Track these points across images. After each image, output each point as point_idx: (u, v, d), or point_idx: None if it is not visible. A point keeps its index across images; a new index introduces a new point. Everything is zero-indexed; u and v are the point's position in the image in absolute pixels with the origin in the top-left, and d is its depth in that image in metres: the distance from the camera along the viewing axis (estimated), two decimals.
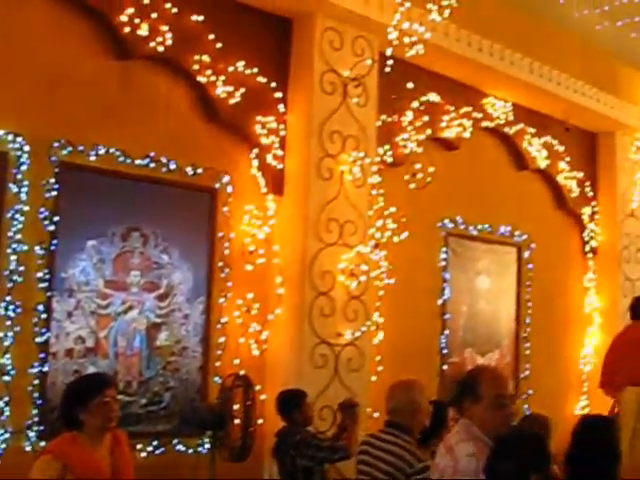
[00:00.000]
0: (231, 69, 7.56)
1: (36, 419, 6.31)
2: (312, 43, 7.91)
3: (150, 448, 6.92)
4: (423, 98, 9.15)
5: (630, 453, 6.99)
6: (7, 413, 6.18)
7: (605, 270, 11.52)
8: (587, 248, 11.53)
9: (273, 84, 7.87)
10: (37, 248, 6.40)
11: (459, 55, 9.06)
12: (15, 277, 6.26)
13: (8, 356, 6.20)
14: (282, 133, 7.88)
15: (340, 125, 7.96)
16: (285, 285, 7.74)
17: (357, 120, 8.10)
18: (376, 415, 7.39)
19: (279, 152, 7.85)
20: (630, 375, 7.73)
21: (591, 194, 11.53)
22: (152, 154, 7.09)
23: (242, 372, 7.16)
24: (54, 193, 6.51)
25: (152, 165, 7.10)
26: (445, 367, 9.47)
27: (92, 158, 6.74)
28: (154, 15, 7.02)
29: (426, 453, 5.17)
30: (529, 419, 6.73)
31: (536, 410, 9.84)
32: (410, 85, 8.72)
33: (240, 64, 7.63)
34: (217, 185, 7.56)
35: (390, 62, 7.90)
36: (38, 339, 6.38)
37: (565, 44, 10.42)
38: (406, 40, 7.76)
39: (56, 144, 6.55)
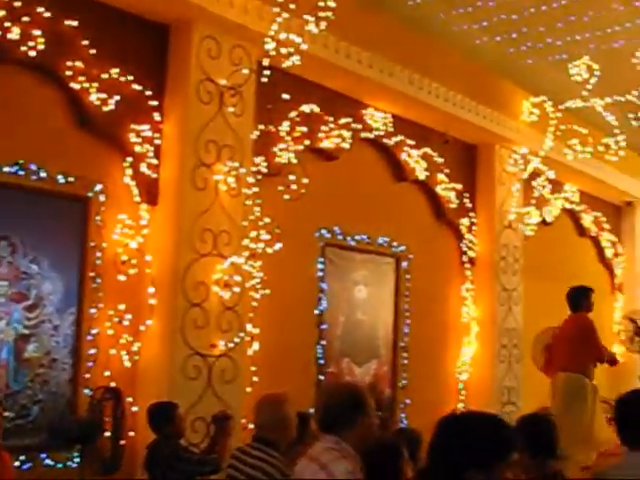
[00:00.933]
0: (105, 76, 7.53)
1: None
2: (189, 51, 7.94)
3: (17, 463, 6.79)
4: (301, 108, 9.26)
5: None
6: None
7: (482, 280, 11.82)
8: (465, 259, 11.78)
9: (149, 92, 7.88)
10: None
11: (338, 66, 9.21)
12: None
13: None
14: (157, 142, 7.90)
15: (216, 134, 8.02)
16: (158, 296, 7.76)
17: (233, 130, 8.18)
18: (251, 426, 7.42)
19: (154, 161, 7.86)
20: (560, 362, 8.80)
21: (470, 205, 11.79)
22: (21, 161, 7.02)
23: (113, 384, 7.17)
24: None
25: (21, 173, 7.03)
26: (322, 377, 9.60)
27: None
28: (26, 19, 6.94)
29: (291, 467, 5.26)
30: (401, 433, 6.87)
31: (414, 419, 10.17)
32: (287, 95, 8.83)
33: (115, 71, 7.61)
34: (89, 194, 7.52)
35: (268, 72, 7.99)
36: None
37: (446, 58, 10.68)
38: (284, 50, 7.86)
39: None
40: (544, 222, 13.16)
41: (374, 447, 4.30)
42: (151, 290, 7.77)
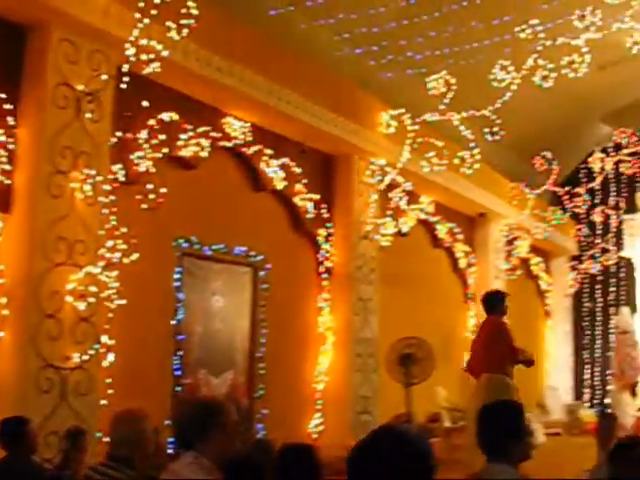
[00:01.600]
0: None
1: None
2: (46, 54, 7.81)
3: None
4: (160, 116, 9.23)
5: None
6: None
7: (339, 290, 11.96)
8: (322, 268, 11.92)
9: (2, 95, 7.71)
10: None
11: (199, 74, 9.22)
12: None
13: None
14: (11, 147, 7.73)
15: (72, 141, 7.91)
16: (10, 306, 7.58)
17: (90, 136, 8.09)
18: (107, 440, 7.34)
19: (7, 167, 7.69)
20: (480, 364, 9.08)
21: (327, 216, 11.93)
22: None
23: None
24: None
25: None
26: (179, 389, 9.56)
27: None
28: None
29: None
30: (256, 444, 6.91)
31: (272, 429, 10.26)
32: (146, 103, 8.79)
33: None
34: None
35: (127, 78, 7.92)
36: None
37: (307, 69, 10.84)
38: (144, 57, 7.83)
39: None
40: (400, 233, 13.41)
41: (236, 461, 4.34)
42: (3, 300, 7.59)
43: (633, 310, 15.74)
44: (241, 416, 10.24)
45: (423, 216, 14.24)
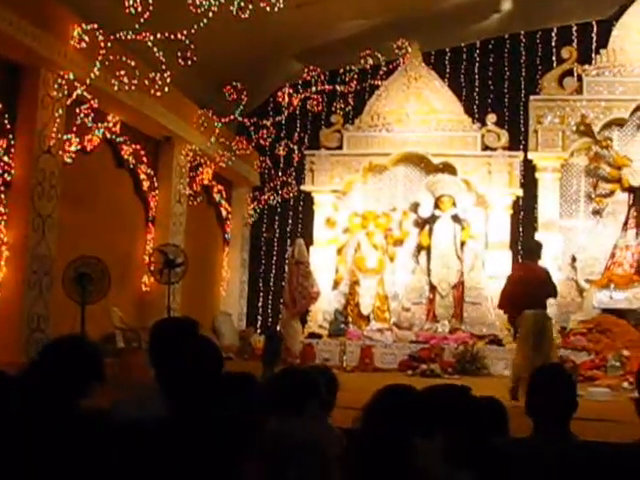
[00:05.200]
0: None
1: None
2: None
3: None
4: None
5: (531, 362, 9.42)
6: None
7: (17, 205, 11.80)
8: (0, 181, 11.68)
9: None
10: None
11: None
12: None
13: None
14: None
15: None
16: None
17: None
18: None
19: None
20: (527, 302, 10.47)
21: (9, 127, 11.66)
22: None
23: None
24: None
25: None
26: None
27: None
28: None
29: None
30: None
31: None
32: None
33: None
34: None
35: None
36: None
37: None
38: None
39: None
40: (84, 150, 13.36)
41: None
42: None
43: (309, 242, 16.61)
44: None
45: (109, 135, 14.23)
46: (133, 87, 12.61)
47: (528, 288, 10.58)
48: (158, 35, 12.01)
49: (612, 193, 16.56)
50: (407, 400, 3.65)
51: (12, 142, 11.74)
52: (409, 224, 17.28)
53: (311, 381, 4.43)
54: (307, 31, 16.72)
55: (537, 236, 16.07)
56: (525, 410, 4.13)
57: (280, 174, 19.42)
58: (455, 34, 18.73)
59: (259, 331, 19.13)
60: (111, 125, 14.21)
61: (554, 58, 18.07)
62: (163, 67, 12.46)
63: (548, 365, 6.16)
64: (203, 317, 16.16)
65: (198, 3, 11.32)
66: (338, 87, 16.91)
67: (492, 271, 16.47)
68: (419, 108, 17.42)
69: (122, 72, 12.48)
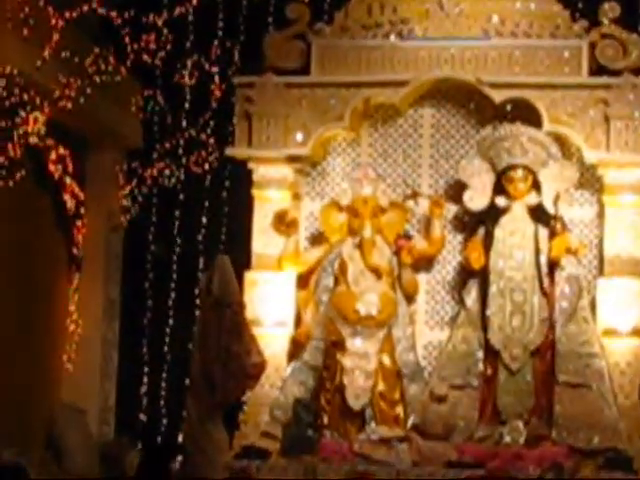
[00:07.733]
0: None
1: None
2: None
3: None
4: None
5: None
6: None
7: None
8: None
9: None
10: None
11: None
12: None
13: None
14: None
15: None
16: None
17: None
18: None
19: None
20: None
21: None
22: None
23: None
24: None
25: None
26: None
27: None
28: None
29: None
30: None
31: None
32: None
33: None
34: None
35: None
36: None
37: None
38: None
39: None
40: None
41: None
42: None
43: (242, 263, 11.33)
44: None
45: None
46: None
47: None
48: None
49: None
50: None
51: None
52: (444, 225, 11.38)
53: None
54: None
55: None
56: None
57: (185, 124, 12.08)
58: None
59: (140, 445, 12.48)
60: None
61: None
62: None
63: None
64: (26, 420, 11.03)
65: None
66: None
67: (614, 321, 10.86)
68: None
69: None
